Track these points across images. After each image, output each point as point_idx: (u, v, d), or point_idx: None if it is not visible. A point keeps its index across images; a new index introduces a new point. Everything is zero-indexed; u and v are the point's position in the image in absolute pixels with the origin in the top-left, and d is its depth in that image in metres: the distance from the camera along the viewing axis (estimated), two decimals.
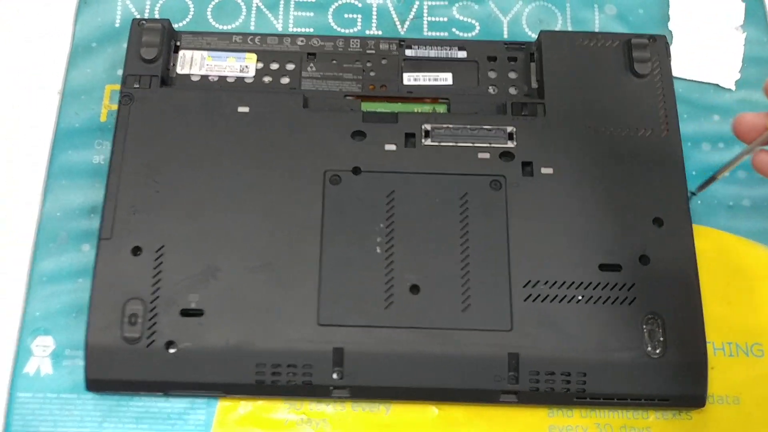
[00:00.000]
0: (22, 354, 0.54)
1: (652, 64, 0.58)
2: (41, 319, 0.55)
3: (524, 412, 0.53)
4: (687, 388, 0.51)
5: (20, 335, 0.54)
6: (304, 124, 0.56)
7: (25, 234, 0.58)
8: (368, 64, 0.59)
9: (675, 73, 0.59)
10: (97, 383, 0.51)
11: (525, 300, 0.52)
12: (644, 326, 0.52)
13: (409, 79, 0.59)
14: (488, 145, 0.55)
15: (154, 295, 0.52)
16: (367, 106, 0.58)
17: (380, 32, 0.64)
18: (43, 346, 0.54)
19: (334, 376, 0.50)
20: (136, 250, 0.53)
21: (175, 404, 0.53)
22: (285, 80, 0.59)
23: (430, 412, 0.53)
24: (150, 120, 0.56)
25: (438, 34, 0.64)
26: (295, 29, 0.64)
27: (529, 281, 0.52)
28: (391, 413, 0.53)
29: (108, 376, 0.51)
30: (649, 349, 0.51)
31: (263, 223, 0.53)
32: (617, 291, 0.52)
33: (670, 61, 0.58)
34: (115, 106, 0.59)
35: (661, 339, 0.51)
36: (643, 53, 0.58)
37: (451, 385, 0.51)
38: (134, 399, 0.53)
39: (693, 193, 0.54)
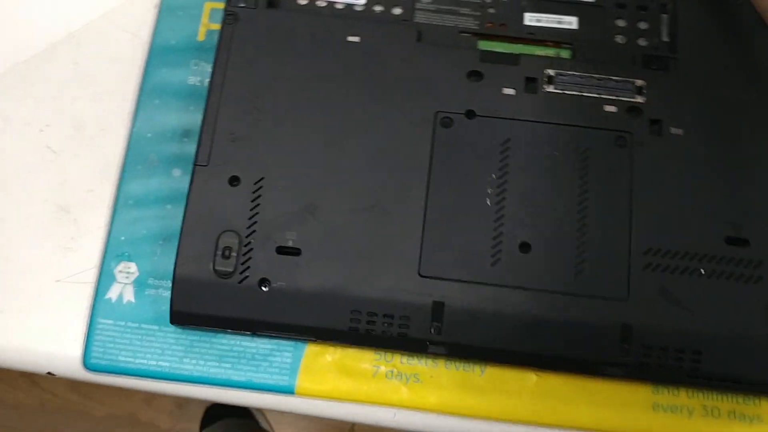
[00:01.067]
0: (104, 279, 0.54)
1: None
2: (126, 244, 0.55)
3: (627, 388, 0.52)
4: None
5: (103, 259, 0.54)
6: (416, 60, 0.55)
7: (114, 153, 0.58)
8: (487, 1, 0.57)
9: None
10: (182, 316, 0.51)
11: (644, 269, 0.50)
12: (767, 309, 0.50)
13: (531, 19, 0.58)
14: (615, 97, 0.54)
15: (250, 229, 0.51)
16: (485, 45, 0.57)
17: None
18: (126, 272, 0.54)
19: (432, 330, 0.50)
20: (234, 180, 0.52)
21: (261, 345, 0.53)
22: (397, 11, 0.58)
23: (528, 378, 0.52)
24: (254, 43, 0.55)
25: None
26: None
27: (650, 249, 0.51)
28: (486, 375, 0.52)
29: (195, 309, 0.51)
30: None
31: (367, 162, 0.52)
32: (743, 268, 0.51)
33: None
34: (213, 26, 0.59)
35: None
36: None
37: (556, 352, 0.50)
38: (217, 336, 0.53)
39: None
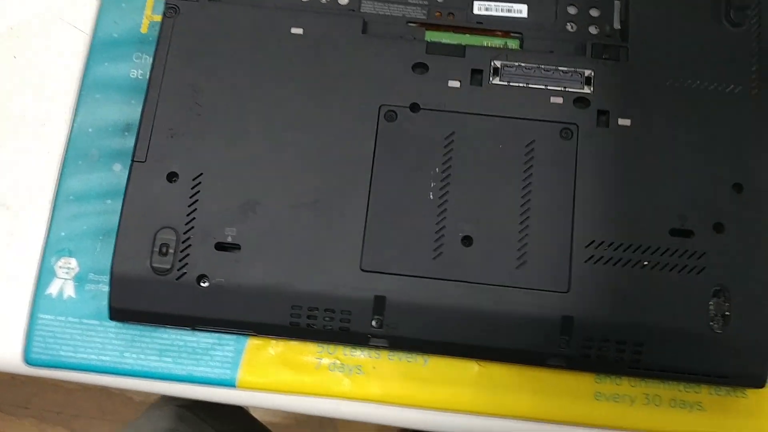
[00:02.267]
0: (45, 274, 0.57)
1: (750, 11, 0.58)
2: (66, 240, 0.58)
3: (570, 377, 0.55)
4: (748, 367, 0.53)
5: (44, 254, 0.57)
6: (361, 52, 0.57)
7: (54, 148, 0.60)
8: None
9: None
10: (120, 313, 0.54)
11: (586, 261, 0.53)
12: (711, 298, 0.53)
13: (480, 8, 0.60)
14: (562, 89, 0.57)
15: (188, 226, 0.54)
16: (432, 36, 0.59)
17: None
18: (66, 267, 0.57)
19: (373, 324, 0.53)
20: (172, 176, 0.55)
21: (202, 339, 0.56)
22: (344, 1, 0.60)
23: (471, 368, 0.55)
24: (195, 36, 0.57)
25: None
26: None
27: (593, 241, 0.54)
28: (429, 365, 0.55)
29: (133, 306, 0.54)
30: (713, 323, 0.53)
31: (310, 157, 0.55)
32: (686, 259, 0.53)
33: None
34: (157, 18, 0.61)
35: (727, 314, 0.53)
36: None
37: (498, 344, 0.53)
38: (159, 331, 0.56)
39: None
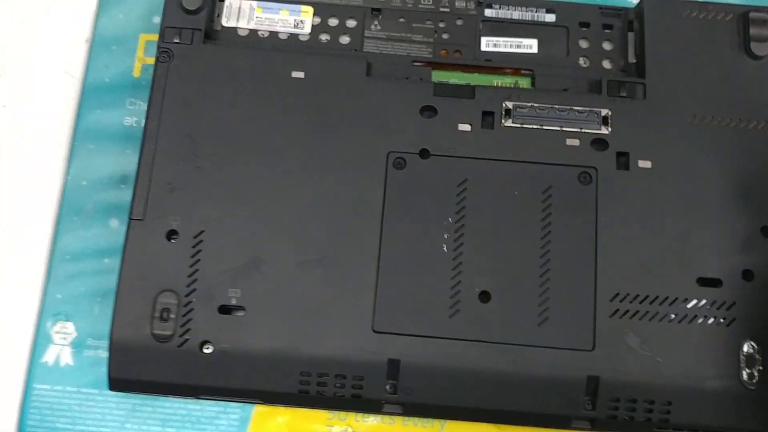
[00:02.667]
0: (41, 340, 0.54)
1: None
2: (62, 303, 0.55)
3: None
4: None
5: (39, 320, 0.54)
6: (366, 96, 0.54)
7: (47, 205, 0.57)
8: (441, 25, 0.57)
9: None
10: (120, 383, 0.50)
11: (611, 316, 0.50)
12: (742, 351, 0.50)
13: (488, 44, 0.57)
14: (578, 130, 0.53)
15: (190, 288, 0.50)
16: (439, 75, 0.56)
17: None
18: (63, 333, 0.54)
19: (387, 389, 0.50)
20: (172, 234, 0.51)
21: (207, 407, 0.53)
22: (345, 39, 0.57)
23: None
24: (191, 81, 0.54)
25: None
26: None
27: (617, 294, 0.50)
28: (445, 430, 0.52)
29: (133, 376, 0.50)
30: (745, 378, 0.50)
31: (316, 211, 0.52)
32: (715, 310, 0.50)
33: None
34: (150, 60, 0.58)
35: (760, 368, 0.49)
36: (762, 30, 0.55)
37: (519, 407, 0.50)
38: (161, 399, 0.53)
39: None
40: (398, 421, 0.52)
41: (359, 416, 0.52)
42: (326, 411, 0.52)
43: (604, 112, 0.53)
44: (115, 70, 0.59)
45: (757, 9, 0.56)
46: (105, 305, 0.53)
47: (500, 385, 0.49)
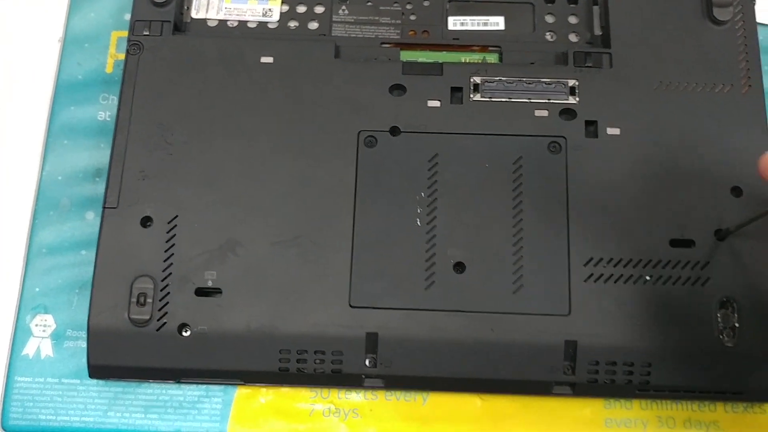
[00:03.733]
0: (20, 334, 0.52)
1: (733, 8, 0.54)
2: (41, 296, 0.53)
3: (578, 403, 0.50)
4: (764, 380, 0.48)
5: (18, 313, 0.52)
6: (335, 78, 0.52)
7: (23, 200, 0.55)
8: (408, 7, 0.56)
9: (758, 18, 0.54)
10: (100, 370, 0.49)
11: (585, 280, 0.48)
12: (717, 311, 0.48)
13: (455, 23, 0.56)
14: (546, 101, 0.52)
15: (166, 272, 0.49)
16: (407, 56, 0.55)
17: None
18: (43, 325, 0.52)
19: (367, 363, 0.48)
20: (146, 221, 0.50)
21: (188, 392, 0.51)
22: (313, 25, 0.55)
23: (473, 403, 0.50)
24: (161, 72, 0.52)
25: None
26: None
27: (591, 259, 0.49)
28: (428, 403, 0.50)
29: (113, 362, 0.48)
30: (722, 336, 0.48)
31: (289, 191, 0.50)
32: (689, 270, 0.49)
33: (754, 5, 0.54)
34: (122, 56, 0.56)
35: (736, 325, 0.48)
36: None
37: (499, 375, 0.48)
38: (143, 386, 0.51)
39: (729, 231, 0.49)
40: (381, 396, 0.50)
41: (342, 393, 0.50)
42: (308, 389, 0.50)
43: (571, 82, 0.52)
44: (88, 67, 0.58)
45: None
46: (83, 296, 0.52)
47: (479, 354, 0.48)
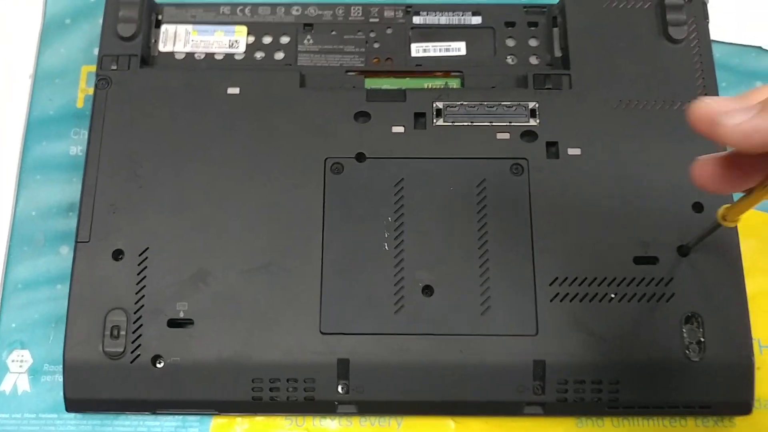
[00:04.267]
0: None
1: (688, 27, 0.54)
2: (17, 331, 0.52)
3: (550, 423, 0.50)
4: (731, 394, 0.48)
5: None
6: (301, 106, 0.52)
7: None
8: (372, 35, 0.56)
9: (712, 36, 0.54)
10: (77, 403, 0.48)
11: (551, 300, 0.48)
12: (683, 326, 0.48)
13: (418, 50, 0.55)
14: (508, 123, 0.52)
15: (138, 304, 0.48)
16: (372, 83, 0.54)
17: None
18: (19, 361, 0.51)
19: (340, 389, 0.47)
20: (118, 254, 0.49)
21: (165, 423, 0.50)
22: (279, 55, 0.55)
23: (447, 425, 0.50)
24: (130, 105, 0.52)
25: None
26: None
27: (556, 278, 0.48)
28: (403, 427, 0.50)
29: (89, 395, 0.48)
30: (689, 351, 0.48)
31: (258, 220, 0.50)
32: (653, 287, 0.48)
33: (708, 23, 0.54)
34: (92, 90, 0.55)
35: (702, 340, 0.48)
36: (678, 15, 0.54)
37: (470, 397, 0.47)
38: (120, 418, 0.50)
39: (689, 246, 0.49)
40: (355, 422, 0.49)
41: (317, 420, 0.50)
42: (283, 417, 0.49)
43: (531, 104, 0.52)
44: (59, 102, 0.57)
45: None
46: (59, 331, 0.51)
47: (449, 376, 0.47)
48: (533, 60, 0.55)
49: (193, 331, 0.48)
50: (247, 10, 0.56)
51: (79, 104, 0.57)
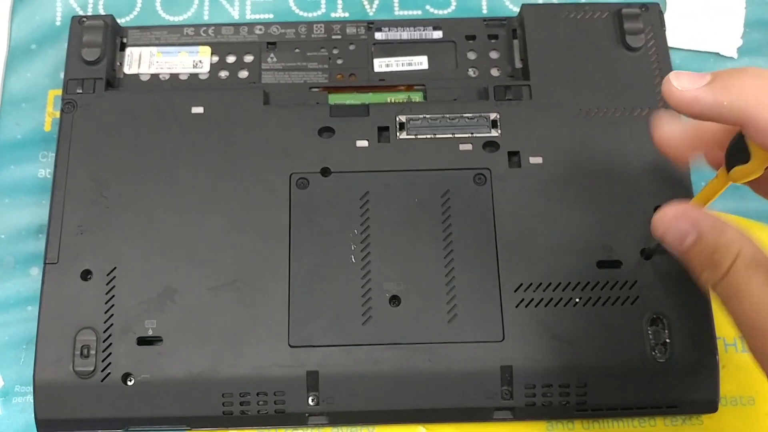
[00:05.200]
0: None
1: (645, 35, 0.54)
2: None
3: (521, 427, 0.49)
4: (697, 393, 0.48)
5: None
6: (265, 123, 0.52)
7: None
8: (335, 51, 0.56)
9: (670, 43, 0.55)
10: (48, 424, 0.48)
11: (517, 306, 0.48)
12: (648, 328, 0.48)
13: (381, 65, 0.55)
14: (470, 135, 0.52)
15: (108, 323, 0.48)
16: (335, 99, 0.54)
17: (347, 15, 0.59)
18: None
19: (310, 401, 0.47)
20: (86, 274, 0.49)
21: None
22: (243, 74, 0.55)
23: None
24: (96, 128, 0.52)
25: (410, 12, 0.60)
26: (253, 16, 0.60)
27: (521, 285, 0.48)
28: None
29: (60, 415, 0.47)
30: (655, 352, 0.48)
31: (224, 236, 0.49)
32: (618, 290, 0.48)
33: (665, 31, 0.54)
34: (59, 114, 0.54)
35: (667, 341, 0.48)
36: (635, 24, 0.54)
37: (440, 404, 0.47)
38: None
39: (652, 249, 0.49)
40: None
41: None
42: (255, 431, 0.49)
43: (492, 116, 0.52)
44: (27, 126, 0.57)
45: (629, 5, 0.55)
46: (30, 352, 0.50)
47: (419, 384, 0.47)
48: (494, 72, 0.55)
49: (163, 349, 0.47)
50: (210, 31, 0.56)
51: (47, 128, 0.57)
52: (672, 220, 0.40)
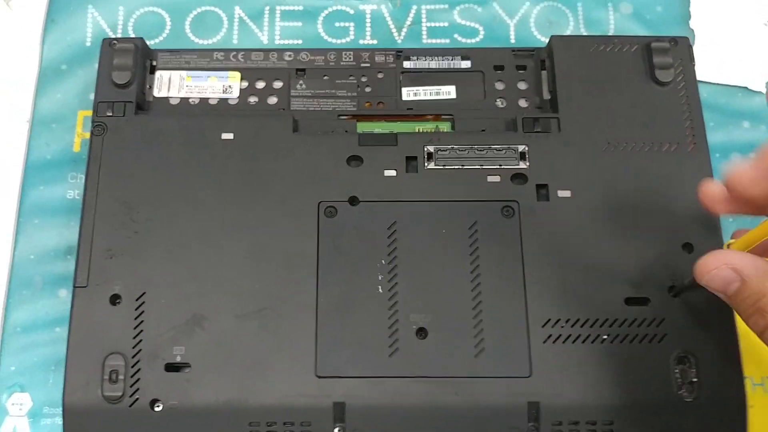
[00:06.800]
0: None
1: (674, 70, 0.53)
2: (17, 375, 0.51)
3: None
4: None
5: None
6: (294, 151, 0.51)
7: None
8: (363, 79, 0.55)
9: (699, 76, 0.54)
10: None
11: (544, 342, 0.47)
12: (675, 366, 0.47)
13: (409, 93, 0.55)
14: (498, 167, 0.51)
15: (136, 349, 0.47)
16: (363, 127, 0.54)
17: (375, 42, 0.59)
18: (19, 404, 0.51)
19: None
20: (115, 299, 0.48)
21: None
22: (272, 100, 0.54)
23: None
24: (126, 151, 0.51)
25: (438, 41, 0.59)
26: (282, 41, 0.59)
27: (549, 320, 0.48)
28: None
29: None
30: (682, 391, 0.47)
31: (252, 263, 0.49)
32: (645, 327, 0.48)
33: (694, 65, 0.53)
34: (88, 135, 0.54)
35: (694, 380, 0.47)
36: (665, 58, 0.53)
37: None
38: None
39: (681, 288, 0.48)
40: None
41: None
42: None
43: (521, 148, 0.51)
44: (56, 147, 0.56)
45: (658, 39, 0.54)
46: (59, 373, 0.50)
47: (445, 418, 0.46)
48: (522, 102, 0.54)
49: (191, 375, 0.47)
50: (240, 56, 0.55)
51: (76, 148, 0.56)
52: (714, 268, 0.39)
